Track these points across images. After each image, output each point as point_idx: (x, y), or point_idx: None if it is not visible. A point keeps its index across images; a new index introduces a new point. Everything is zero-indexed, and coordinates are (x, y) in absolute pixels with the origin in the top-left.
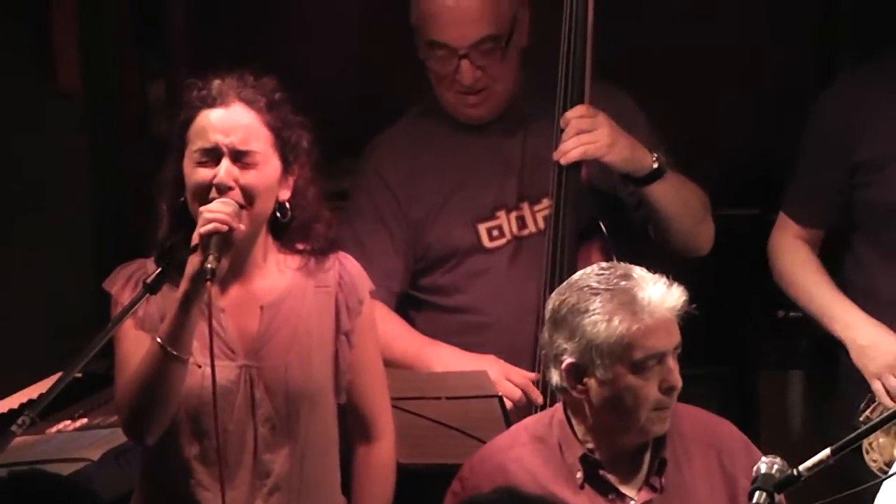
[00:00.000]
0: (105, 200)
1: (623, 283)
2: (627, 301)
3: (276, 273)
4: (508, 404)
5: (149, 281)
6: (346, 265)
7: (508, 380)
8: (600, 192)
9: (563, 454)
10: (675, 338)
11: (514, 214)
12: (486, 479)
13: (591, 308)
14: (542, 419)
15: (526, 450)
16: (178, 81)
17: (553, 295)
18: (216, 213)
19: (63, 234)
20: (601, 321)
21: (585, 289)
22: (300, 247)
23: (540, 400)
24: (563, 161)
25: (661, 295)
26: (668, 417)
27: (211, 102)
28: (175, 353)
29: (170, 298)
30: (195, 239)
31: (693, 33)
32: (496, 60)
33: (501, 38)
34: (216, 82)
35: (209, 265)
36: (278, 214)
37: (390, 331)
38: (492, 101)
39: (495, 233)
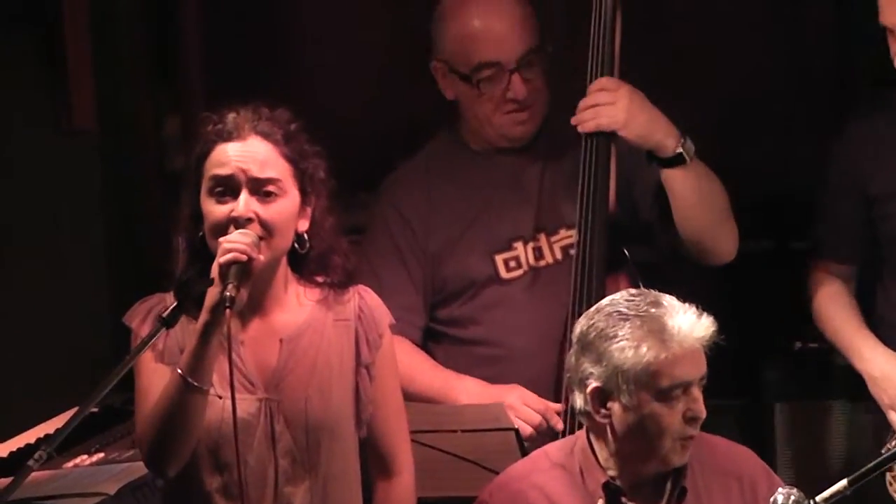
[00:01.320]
0: (121, 236)
1: (653, 310)
2: (657, 329)
3: (296, 306)
4: (527, 430)
5: (165, 315)
6: (366, 298)
7: (527, 405)
8: (625, 223)
9: (584, 481)
10: (702, 368)
11: (530, 245)
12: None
13: (620, 334)
14: (563, 446)
15: (546, 476)
16: (194, 117)
17: (581, 319)
18: (235, 243)
19: (80, 270)
20: (629, 347)
21: (615, 314)
22: (319, 279)
23: (560, 426)
24: (579, 129)
25: (690, 324)
26: (690, 448)
27: (227, 136)
28: (196, 383)
29: (189, 331)
30: (214, 270)
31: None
32: (539, 73)
33: (540, 49)
34: (231, 116)
35: (228, 293)
36: (297, 246)
37: (414, 365)
38: (537, 116)
39: (512, 264)
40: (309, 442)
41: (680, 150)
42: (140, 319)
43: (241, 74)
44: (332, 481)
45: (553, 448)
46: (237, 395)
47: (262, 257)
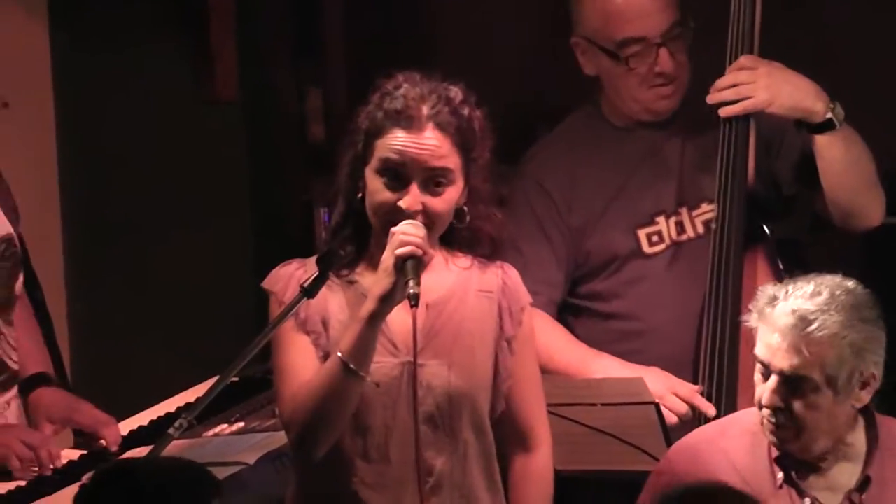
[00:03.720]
0: (263, 207)
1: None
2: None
3: (443, 271)
4: (673, 419)
5: (306, 285)
6: (509, 273)
7: (675, 394)
8: (764, 196)
9: (770, 452)
10: None
11: (673, 220)
12: (688, 466)
13: None
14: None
15: (734, 443)
16: (335, 89)
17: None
18: (411, 236)
19: (221, 240)
20: None
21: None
22: (466, 247)
23: (712, 411)
24: (721, 113)
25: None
26: (777, 430)
27: (404, 123)
28: (357, 369)
29: (332, 301)
30: (388, 259)
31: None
32: (682, 47)
33: (683, 23)
34: (406, 93)
35: (412, 290)
36: (455, 220)
37: (553, 341)
38: (680, 90)
39: (654, 238)
40: (451, 407)
41: (829, 115)
42: (282, 284)
43: (382, 46)
44: (472, 448)
45: (748, 413)
46: (379, 358)
47: (432, 252)
